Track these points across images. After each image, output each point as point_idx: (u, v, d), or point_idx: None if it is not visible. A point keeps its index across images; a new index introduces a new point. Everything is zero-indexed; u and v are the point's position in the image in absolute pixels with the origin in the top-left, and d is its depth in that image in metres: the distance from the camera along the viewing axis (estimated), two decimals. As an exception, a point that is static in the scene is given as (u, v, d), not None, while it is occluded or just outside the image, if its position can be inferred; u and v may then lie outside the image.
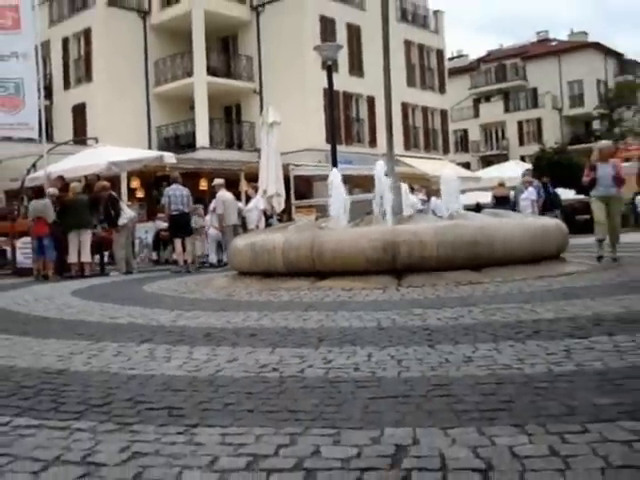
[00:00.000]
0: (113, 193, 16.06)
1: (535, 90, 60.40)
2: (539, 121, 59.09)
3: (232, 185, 22.74)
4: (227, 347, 5.16)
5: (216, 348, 5.14)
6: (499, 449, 2.66)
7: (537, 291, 8.05)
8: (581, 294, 7.48)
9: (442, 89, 42.32)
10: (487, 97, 63.38)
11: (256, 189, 17.65)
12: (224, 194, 16.56)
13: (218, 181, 17.00)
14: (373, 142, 34.75)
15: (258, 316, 6.92)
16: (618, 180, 11.83)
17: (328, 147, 20.96)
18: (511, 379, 3.76)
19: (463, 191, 22.20)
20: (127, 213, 15.71)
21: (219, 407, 3.45)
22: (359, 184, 23.67)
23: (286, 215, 21.19)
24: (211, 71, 33.88)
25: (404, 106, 37.51)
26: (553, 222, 11.81)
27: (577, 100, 59.65)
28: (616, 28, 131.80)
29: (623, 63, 62.74)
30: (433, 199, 19.40)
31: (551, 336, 5.01)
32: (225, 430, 3.04)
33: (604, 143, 13.22)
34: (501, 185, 21.49)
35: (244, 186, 22.41)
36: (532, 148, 50.92)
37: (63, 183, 16.31)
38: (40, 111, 18.08)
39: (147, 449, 2.84)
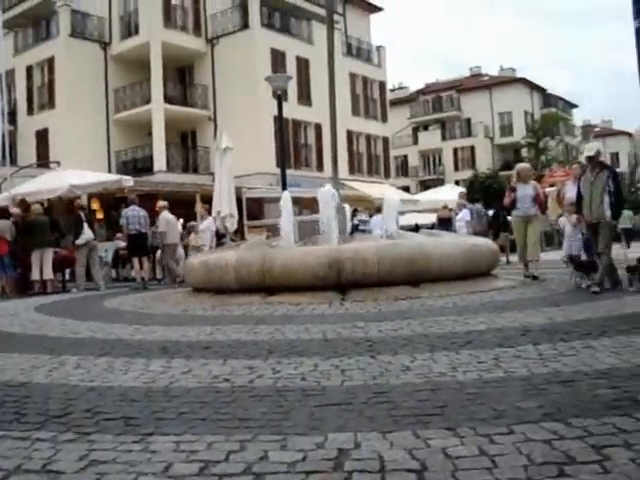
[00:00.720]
0: (81, 213, 15.83)
1: (469, 120, 61.33)
2: (472, 149, 59.98)
3: (188, 206, 22.63)
4: (182, 359, 5.13)
5: (171, 360, 5.10)
6: (433, 451, 2.70)
7: (470, 305, 8.16)
8: (509, 307, 7.61)
9: (384, 118, 42.68)
10: (425, 126, 64.12)
11: (208, 210, 17.55)
12: (167, 215, 16.49)
13: (162, 203, 16.93)
14: (320, 166, 34.82)
15: (211, 330, 6.89)
16: (537, 200, 11.57)
17: (278, 171, 20.95)
18: (445, 386, 3.82)
19: (403, 213, 22.47)
20: (86, 234, 15.48)
21: (173, 416, 3.43)
22: (307, 206, 23.70)
23: (239, 235, 21.09)
24: (168, 99, 33.65)
25: (349, 133, 37.71)
26: (484, 241, 11.99)
27: (507, 130, 60.69)
28: (539, 66, 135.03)
29: (547, 97, 64.14)
30: (374, 218, 19.52)
31: (482, 346, 5.10)
32: (179, 438, 3.03)
33: (522, 165, 12.83)
34: (444, 208, 22.00)
35: (199, 207, 22.27)
36: (466, 173, 51.70)
37: (26, 205, 16.01)
38: (4, 136, 17.75)
39: (104, 457, 2.81)
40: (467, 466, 2.51)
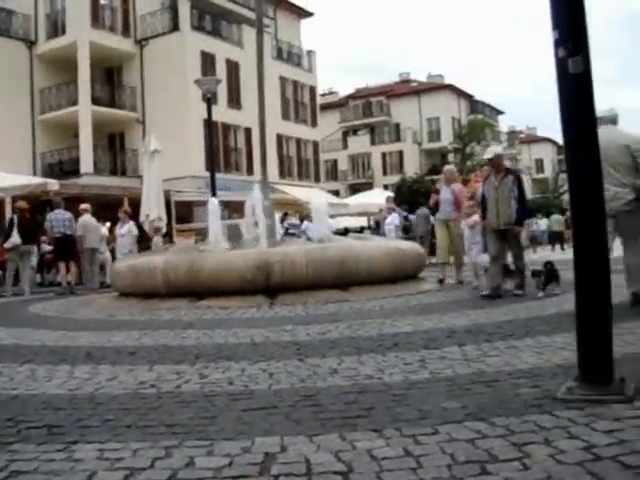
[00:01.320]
0: (14, 216, 15.36)
1: (398, 125, 62.02)
2: (401, 153, 60.69)
3: (116, 210, 22.21)
4: (107, 365, 5.03)
5: (97, 367, 5.00)
6: (359, 452, 2.72)
7: (397, 307, 8.27)
8: (435, 310, 7.74)
9: (314, 122, 42.83)
10: (355, 131, 64.58)
11: (128, 214, 17.21)
12: (86, 219, 16.14)
13: (83, 206, 16.58)
14: (250, 170, 34.69)
15: (138, 335, 6.79)
16: (456, 204, 11.24)
17: (208, 174, 20.81)
18: (372, 388, 3.85)
19: (333, 216, 22.56)
20: (14, 237, 15.03)
21: (98, 424, 3.36)
22: (237, 209, 23.61)
23: (168, 239, 20.83)
24: (96, 100, 32.96)
25: (279, 137, 37.70)
26: (410, 245, 12.14)
27: (434, 135, 61.63)
28: (467, 72, 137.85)
29: (474, 103, 65.43)
30: (305, 222, 19.58)
31: (408, 348, 5.17)
32: (103, 446, 2.97)
33: (447, 167, 12.65)
34: (382, 211, 22.20)
35: (120, 211, 21.90)
36: (394, 177, 52.20)
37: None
38: None
39: (26, 467, 2.73)
40: (392, 467, 2.54)
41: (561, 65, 3.47)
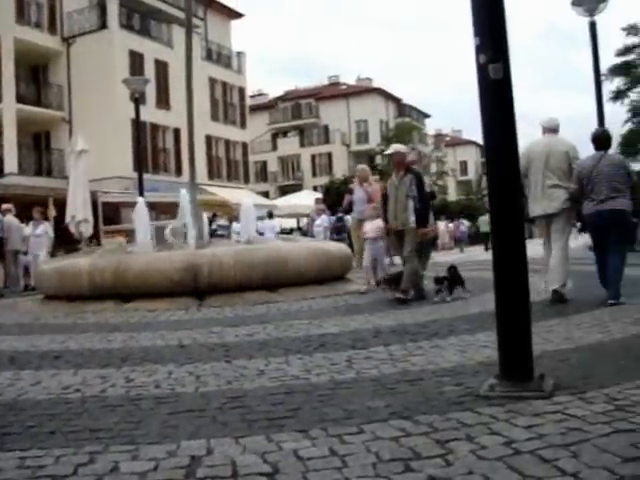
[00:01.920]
0: None
1: (327, 127, 62.24)
2: (330, 155, 60.92)
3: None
4: (31, 370, 4.90)
5: (20, 372, 4.86)
6: (285, 453, 2.72)
7: (324, 308, 8.30)
8: (362, 310, 7.80)
9: (243, 124, 42.64)
10: (284, 132, 64.52)
11: (43, 214, 16.76)
12: (9, 219, 15.68)
13: (5, 206, 16.11)
14: (179, 171, 34.29)
15: (63, 338, 6.62)
16: (370, 203, 10.73)
17: (136, 175, 20.49)
18: (298, 389, 3.86)
19: (262, 218, 22.50)
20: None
21: (20, 430, 3.27)
22: (165, 211, 23.34)
23: (94, 240, 20.40)
24: (20, 98, 31.99)
25: (208, 138, 37.37)
26: (338, 246, 12.19)
27: (363, 137, 62.07)
28: (395, 76, 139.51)
29: (401, 107, 66.21)
30: (234, 224, 19.53)
31: (335, 348, 5.19)
32: (24, 453, 2.89)
33: (359, 167, 12.20)
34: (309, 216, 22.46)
35: (51, 212, 21.37)
36: (323, 179, 52.41)
37: None
38: None
39: (-61, 479, 2.64)
40: (318, 467, 2.55)
41: (482, 71, 3.54)
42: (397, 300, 8.31)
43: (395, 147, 9.25)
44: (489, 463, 2.48)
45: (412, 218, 8.54)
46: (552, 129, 7.62)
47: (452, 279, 8.60)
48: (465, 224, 40.09)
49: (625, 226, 7.26)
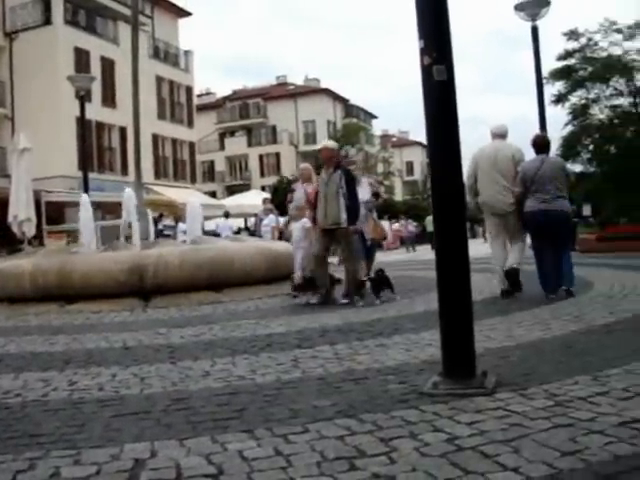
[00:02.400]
0: None
1: (274, 127, 62.10)
2: (278, 155, 60.80)
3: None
4: (-31, 375, 4.77)
5: (-43, 377, 4.73)
6: (230, 454, 2.70)
7: (271, 308, 8.29)
8: (308, 310, 7.82)
9: (191, 123, 42.27)
10: (232, 132, 64.16)
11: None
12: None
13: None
14: (125, 170, 33.80)
15: (4, 342, 6.47)
16: (309, 202, 9.75)
17: (81, 174, 20.15)
18: (244, 389, 3.84)
19: (209, 218, 22.38)
20: None
21: (-44, 438, 3.17)
22: (111, 210, 23.00)
23: (37, 241, 20.00)
24: (-41, 96, 31.33)
25: (155, 137, 36.93)
26: (285, 246, 12.17)
27: (310, 138, 62.03)
28: (343, 77, 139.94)
29: (349, 107, 66.48)
30: (180, 224, 19.36)
31: (282, 348, 5.19)
32: (-39, 462, 2.80)
33: (302, 165, 11.42)
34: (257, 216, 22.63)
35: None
36: (271, 179, 52.34)
37: None
38: None
39: None
40: (263, 467, 2.54)
41: (426, 72, 3.58)
42: (316, 302, 8.28)
43: (324, 143, 9.03)
44: (432, 460, 2.50)
45: (344, 216, 8.26)
46: (500, 135, 8.09)
47: (379, 281, 8.38)
48: (413, 224, 40.47)
49: (569, 226, 8.02)
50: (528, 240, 8.20)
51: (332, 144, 9.06)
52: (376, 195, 9.58)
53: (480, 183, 7.91)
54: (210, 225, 22.42)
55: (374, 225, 9.53)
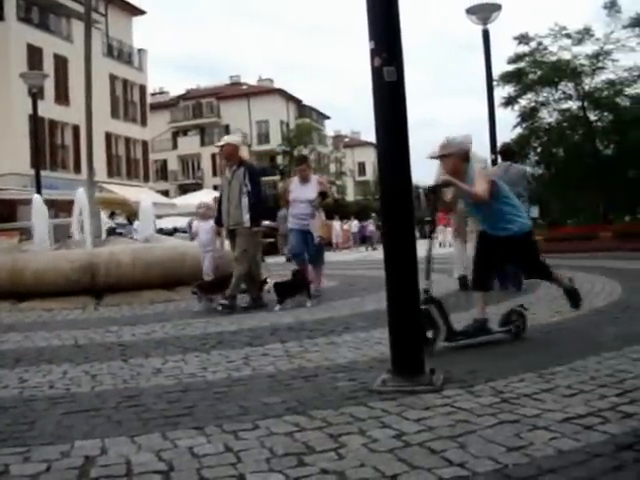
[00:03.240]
0: None
1: (228, 127, 61.64)
2: (232, 155, 60.54)
3: None
4: None
5: None
6: (180, 451, 2.68)
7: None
8: (261, 308, 7.79)
9: (144, 122, 41.82)
10: (185, 131, 63.64)
11: None
12: None
13: None
14: (77, 168, 33.25)
15: (-48, 340, 6.32)
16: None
17: (33, 172, 19.80)
18: (195, 386, 3.82)
19: (161, 216, 22.18)
20: None
21: None
22: (64, 209, 22.63)
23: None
24: None
25: (108, 135, 36.44)
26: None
27: (264, 138, 61.93)
28: (296, 78, 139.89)
29: (302, 108, 66.53)
30: (136, 223, 19.17)
31: (233, 346, 5.18)
32: None
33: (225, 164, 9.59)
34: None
35: None
36: (224, 178, 52.08)
37: None
38: None
39: None
40: (213, 463, 2.53)
41: (376, 73, 3.60)
42: (222, 307, 7.56)
43: (226, 138, 8.62)
44: (380, 455, 2.52)
45: (246, 216, 7.78)
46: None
47: (294, 285, 7.83)
48: (376, 223, 40.48)
49: None
50: None
51: (235, 139, 8.75)
52: (322, 194, 8.93)
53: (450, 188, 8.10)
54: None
55: (322, 223, 9.01)
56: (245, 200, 7.81)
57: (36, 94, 18.58)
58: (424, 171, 9.11)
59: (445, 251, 15.99)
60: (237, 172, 7.95)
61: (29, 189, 24.68)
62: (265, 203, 8.32)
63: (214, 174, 59.44)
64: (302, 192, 8.83)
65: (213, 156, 61.01)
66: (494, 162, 14.02)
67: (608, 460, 2.35)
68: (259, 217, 8.02)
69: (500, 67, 24.48)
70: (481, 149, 8.22)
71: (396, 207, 3.63)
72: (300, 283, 7.88)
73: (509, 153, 8.75)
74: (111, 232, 15.71)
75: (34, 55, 32.10)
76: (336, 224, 35.34)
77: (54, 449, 2.77)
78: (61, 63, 33.86)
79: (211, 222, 8.58)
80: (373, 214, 39.76)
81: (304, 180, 8.93)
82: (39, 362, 4.86)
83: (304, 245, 8.78)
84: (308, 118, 64.36)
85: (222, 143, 8.33)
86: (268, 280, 7.85)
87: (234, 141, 8.45)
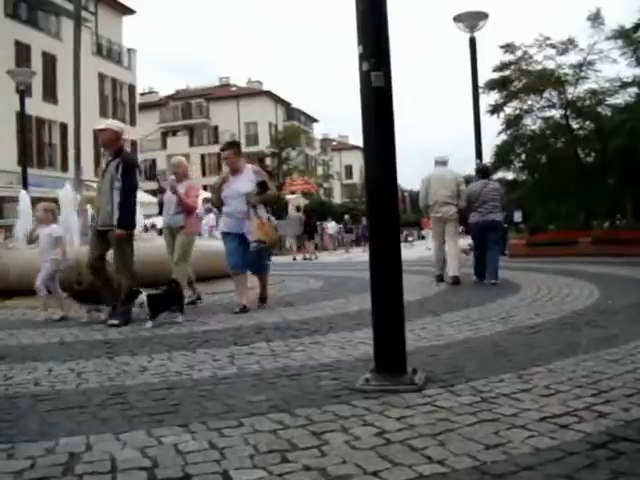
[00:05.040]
0: None
1: (216, 128, 61.64)
2: (219, 155, 60.33)
3: None
4: None
5: None
6: (165, 447, 2.70)
7: (208, 306, 8.25)
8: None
9: (133, 121, 41.70)
10: (174, 131, 63.51)
11: None
12: None
13: None
14: (65, 167, 33.06)
15: (-62, 336, 6.28)
16: (183, 206, 8.06)
17: (20, 169, 19.69)
18: (180, 385, 3.83)
19: (149, 216, 22.07)
20: None
21: None
22: (50, 206, 22.51)
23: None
24: None
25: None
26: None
27: (252, 139, 61.87)
28: (285, 80, 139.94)
29: (290, 110, 66.54)
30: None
31: (218, 344, 5.19)
32: None
33: (176, 160, 8.86)
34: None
35: None
36: (213, 179, 51.84)
37: None
38: None
39: None
40: (197, 460, 2.54)
41: (364, 78, 3.63)
42: (113, 326, 6.47)
43: (107, 122, 7.31)
44: (362, 453, 2.55)
45: (116, 216, 6.70)
46: (443, 162, 10.30)
47: (166, 297, 6.73)
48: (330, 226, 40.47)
49: (500, 230, 10.92)
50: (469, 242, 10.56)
51: (118, 125, 7.22)
52: (262, 185, 7.49)
53: (431, 198, 9.93)
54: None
55: (259, 224, 7.34)
56: (116, 197, 6.69)
57: (24, 91, 18.49)
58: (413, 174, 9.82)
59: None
60: (111, 163, 6.84)
61: (15, 186, 24.55)
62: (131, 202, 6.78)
63: (203, 174, 59.35)
64: (234, 185, 7.48)
65: (202, 157, 61.00)
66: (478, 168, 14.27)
67: (583, 458, 2.40)
68: (130, 219, 6.85)
69: (485, 74, 24.58)
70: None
71: (382, 209, 3.66)
72: (174, 295, 6.76)
73: (486, 172, 10.76)
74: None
75: (22, 52, 31.92)
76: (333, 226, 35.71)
77: (38, 446, 2.77)
78: (49, 61, 33.69)
79: (53, 227, 7.48)
80: (346, 216, 39.83)
81: (235, 171, 7.57)
82: (24, 359, 4.85)
83: (242, 253, 7.47)
84: (296, 121, 64.46)
85: (102, 127, 7.05)
86: (142, 291, 6.54)
87: (115, 127, 7.06)
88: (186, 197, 8.09)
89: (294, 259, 23.88)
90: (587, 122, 22.12)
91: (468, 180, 11.55)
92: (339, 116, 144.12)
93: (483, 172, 10.64)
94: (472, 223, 10.07)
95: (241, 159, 7.77)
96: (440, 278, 9.97)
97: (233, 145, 7.91)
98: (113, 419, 3.15)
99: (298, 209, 30.21)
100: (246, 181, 7.49)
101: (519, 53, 21.82)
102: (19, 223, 10.97)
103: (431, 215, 10.14)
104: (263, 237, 7.33)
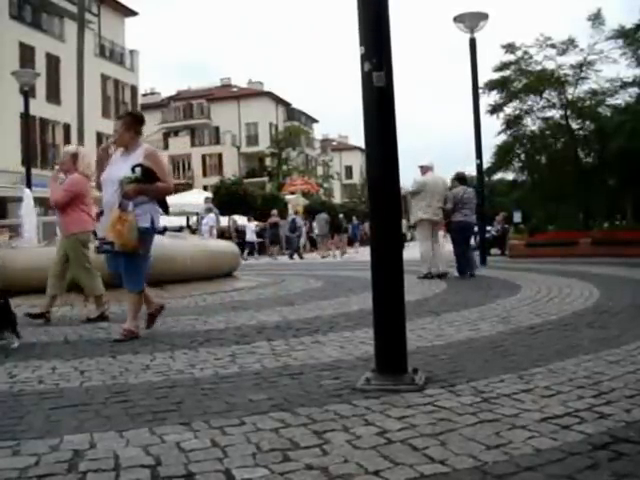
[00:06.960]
0: None
1: (217, 128, 61.71)
2: (220, 156, 60.37)
3: None
4: None
5: None
6: (168, 445, 2.69)
7: (211, 304, 8.25)
8: (248, 306, 7.81)
9: (135, 122, 41.74)
10: (176, 132, 63.53)
11: None
12: None
13: None
14: (68, 167, 33.13)
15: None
16: (59, 207, 7.19)
17: (24, 169, 19.69)
18: (182, 383, 3.83)
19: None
20: None
21: None
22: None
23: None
24: None
25: (99, 135, 36.24)
26: (226, 244, 12.12)
27: (253, 139, 61.93)
28: (286, 81, 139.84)
29: (291, 111, 66.56)
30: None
31: (220, 343, 5.18)
32: None
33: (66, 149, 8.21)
34: (273, 215, 27.56)
35: None
36: (214, 179, 51.99)
37: None
38: None
39: None
40: (199, 458, 2.54)
41: (366, 78, 3.62)
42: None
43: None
44: (363, 452, 2.54)
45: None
46: (431, 168, 11.47)
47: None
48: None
49: (473, 230, 13.27)
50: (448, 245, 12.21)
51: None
52: (147, 173, 5.62)
53: (425, 201, 11.07)
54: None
55: (117, 219, 5.50)
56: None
57: (27, 92, 18.45)
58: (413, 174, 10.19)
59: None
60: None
61: (19, 186, 24.55)
62: None
63: (204, 174, 59.39)
64: (112, 168, 5.81)
65: (203, 157, 61.03)
66: (479, 167, 14.34)
67: (584, 459, 2.39)
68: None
69: (485, 74, 24.58)
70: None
71: (384, 210, 3.65)
72: (4, 314, 5.48)
73: (464, 180, 12.08)
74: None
75: (26, 53, 31.94)
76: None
77: (43, 443, 2.77)
78: (53, 62, 33.72)
79: None
80: (340, 215, 39.81)
81: (125, 149, 5.85)
82: (28, 358, 4.83)
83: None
84: (297, 121, 64.50)
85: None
86: None
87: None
88: (63, 196, 7.00)
89: (322, 257, 25.36)
90: (587, 122, 22.12)
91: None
92: (339, 116, 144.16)
93: (461, 179, 12.04)
94: (455, 222, 11.47)
95: (132, 134, 5.81)
96: (430, 275, 10.94)
97: (128, 116, 6.09)
98: (116, 417, 3.15)
99: (296, 212, 30.49)
100: (130, 164, 5.65)
101: (519, 53, 21.82)
102: (24, 222, 10.95)
103: (424, 217, 11.19)
104: (113, 238, 5.49)
